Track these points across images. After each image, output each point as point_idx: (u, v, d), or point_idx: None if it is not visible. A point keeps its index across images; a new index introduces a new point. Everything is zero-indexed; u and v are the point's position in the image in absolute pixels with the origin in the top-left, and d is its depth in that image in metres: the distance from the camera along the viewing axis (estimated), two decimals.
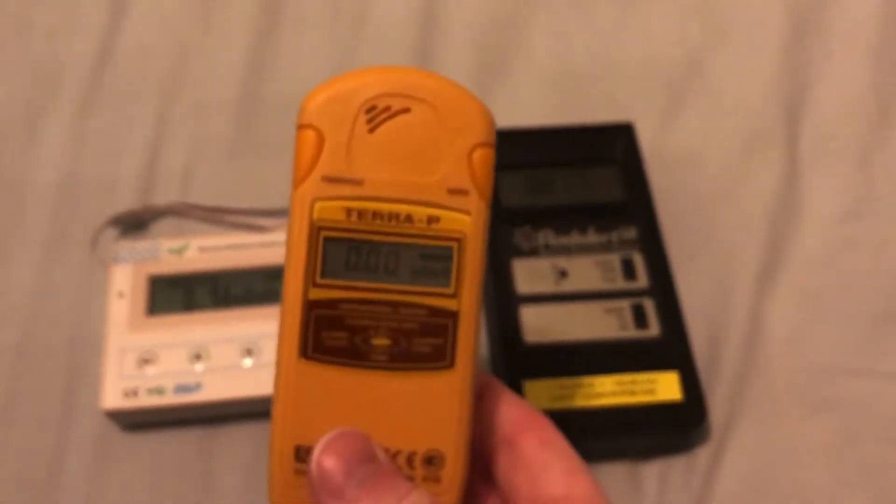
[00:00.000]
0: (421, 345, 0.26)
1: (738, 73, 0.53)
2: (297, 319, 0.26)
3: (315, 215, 0.25)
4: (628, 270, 0.44)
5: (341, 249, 0.25)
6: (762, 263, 0.47)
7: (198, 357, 0.42)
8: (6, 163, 0.50)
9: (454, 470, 0.26)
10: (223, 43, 0.54)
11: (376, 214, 0.25)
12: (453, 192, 0.26)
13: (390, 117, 0.25)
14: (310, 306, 0.25)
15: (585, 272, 0.44)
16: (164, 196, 0.49)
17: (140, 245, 0.45)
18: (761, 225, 0.48)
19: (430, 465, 0.26)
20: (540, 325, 0.43)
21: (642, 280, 0.44)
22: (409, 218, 0.26)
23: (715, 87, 0.53)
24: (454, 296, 0.26)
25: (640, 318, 0.43)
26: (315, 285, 0.25)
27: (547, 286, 0.44)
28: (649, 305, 0.43)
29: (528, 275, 0.44)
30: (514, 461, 0.28)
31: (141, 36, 0.55)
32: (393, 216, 0.25)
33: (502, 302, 0.43)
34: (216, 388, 0.42)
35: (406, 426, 0.26)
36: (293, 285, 0.25)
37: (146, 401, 0.41)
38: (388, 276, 0.26)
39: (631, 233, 0.45)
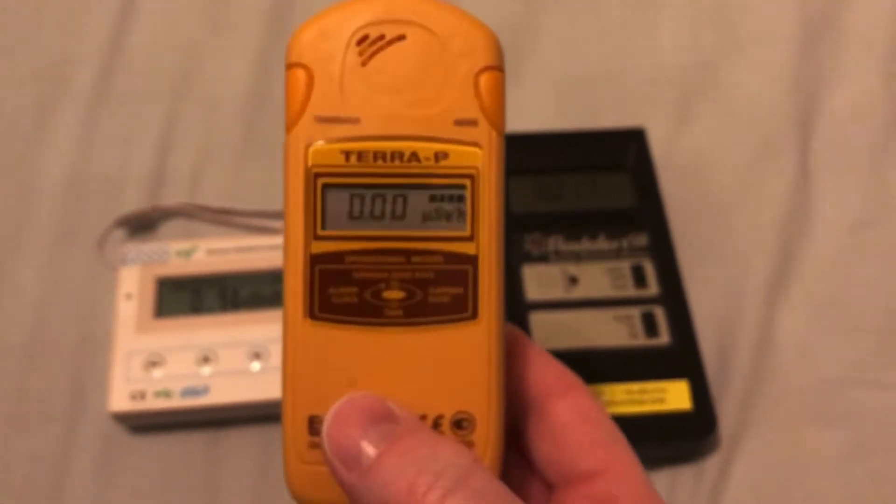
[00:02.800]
0: (439, 295, 0.23)
1: (750, 79, 0.53)
2: (300, 277, 0.23)
3: (310, 161, 0.23)
4: (639, 278, 0.44)
5: (342, 197, 0.23)
6: (773, 271, 0.47)
7: (205, 360, 0.42)
8: (14, 162, 0.50)
9: (487, 432, 0.24)
10: (233, 43, 0.54)
11: (377, 155, 0.23)
12: (461, 123, 0.23)
13: (385, 47, 0.23)
14: (313, 261, 0.23)
15: (595, 279, 0.44)
16: (172, 197, 0.49)
17: (148, 247, 0.45)
18: (773, 232, 0.48)
19: (459, 428, 0.24)
20: (549, 331, 0.43)
21: (653, 287, 0.44)
22: (414, 156, 0.23)
23: (727, 94, 0.52)
24: (471, 238, 0.23)
25: (650, 326, 0.43)
26: (317, 238, 0.23)
27: (557, 293, 0.44)
28: (659, 313, 0.43)
29: (538, 281, 0.44)
30: (544, 429, 0.26)
31: (150, 36, 0.54)
32: (396, 155, 0.23)
33: (512, 308, 0.43)
34: (224, 392, 0.41)
35: (429, 387, 0.24)
36: (293, 240, 0.23)
37: (153, 403, 0.41)
38: (396, 223, 0.23)
39: (641, 239, 0.45)
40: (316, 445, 0.24)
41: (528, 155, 0.47)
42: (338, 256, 0.23)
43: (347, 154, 0.23)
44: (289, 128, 0.23)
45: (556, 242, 0.45)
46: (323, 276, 0.23)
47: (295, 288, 0.23)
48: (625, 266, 0.44)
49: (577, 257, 0.45)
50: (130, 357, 0.42)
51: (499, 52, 0.24)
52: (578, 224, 0.45)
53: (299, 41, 0.24)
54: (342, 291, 0.23)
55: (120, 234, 0.48)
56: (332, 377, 0.24)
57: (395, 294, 0.24)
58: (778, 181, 0.50)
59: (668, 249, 0.45)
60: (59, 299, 0.46)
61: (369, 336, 0.24)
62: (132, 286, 0.44)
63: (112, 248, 0.47)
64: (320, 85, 0.23)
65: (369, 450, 0.22)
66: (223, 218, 0.48)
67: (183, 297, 0.44)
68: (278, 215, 0.48)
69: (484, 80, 0.24)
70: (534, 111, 0.52)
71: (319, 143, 0.23)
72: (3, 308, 0.46)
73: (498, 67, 0.24)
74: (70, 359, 0.45)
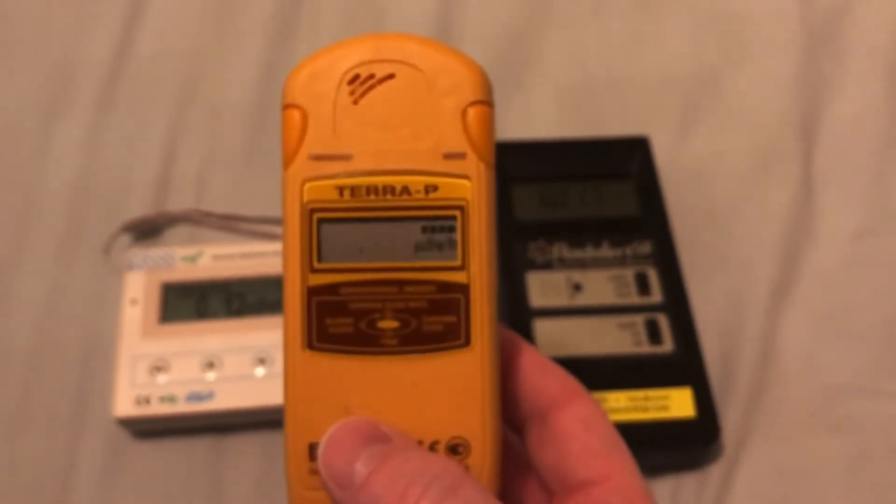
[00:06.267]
0: (432, 324, 0.24)
1: (753, 88, 0.53)
2: (298, 309, 0.24)
3: (306, 197, 0.24)
4: (642, 285, 0.44)
5: (337, 230, 0.24)
6: (776, 279, 0.47)
7: (210, 366, 0.42)
8: (20, 167, 0.51)
9: (482, 458, 0.24)
10: (239, 49, 0.55)
11: (370, 189, 0.24)
12: (450, 156, 0.24)
13: (375, 85, 0.24)
14: (310, 293, 0.24)
15: (599, 286, 0.44)
16: (178, 203, 0.49)
17: (153, 252, 0.45)
18: (776, 241, 0.48)
19: (455, 454, 0.25)
20: (553, 339, 0.43)
21: (656, 295, 0.44)
22: (405, 189, 0.24)
23: (730, 102, 0.53)
24: (463, 268, 0.24)
25: (653, 334, 0.43)
26: (313, 271, 0.24)
27: (561, 300, 0.44)
28: (663, 321, 0.43)
29: (542, 288, 0.44)
30: (546, 437, 0.27)
31: (157, 42, 0.55)
32: (388, 189, 0.24)
33: (516, 315, 0.43)
34: (228, 397, 0.42)
35: (424, 414, 0.24)
36: (291, 273, 0.24)
37: (158, 409, 0.41)
38: (389, 254, 0.24)
39: (645, 247, 0.45)
40: (316, 471, 0.24)
41: (532, 163, 0.48)
42: (333, 288, 0.24)
43: (341, 189, 0.24)
44: (285, 165, 0.24)
45: (560, 250, 0.45)
46: (320, 307, 0.24)
47: (293, 319, 0.24)
48: (628, 274, 0.45)
49: (581, 265, 0.45)
50: (135, 362, 0.42)
51: (486, 86, 0.25)
52: (582, 232, 0.46)
53: (293, 83, 0.24)
54: (338, 322, 0.24)
55: (126, 239, 0.48)
56: (331, 405, 0.24)
57: (389, 324, 0.24)
58: (781, 190, 0.50)
59: (672, 257, 0.45)
60: (65, 304, 0.46)
61: (366, 365, 0.24)
62: (138, 291, 0.44)
63: (118, 254, 0.47)
64: (314, 124, 0.24)
65: (361, 469, 0.23)
66: (229, 224, 0.48)
67: (188, 302, 0.44)
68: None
69: (472, 114, 0.24)
70: (538, 119, 0.53)
71: (314, 180, 0.24)
72: (9, 312, 0.46)
73: (486, 102, 0.25)
74: (75, 363, 0.45)
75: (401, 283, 0.24)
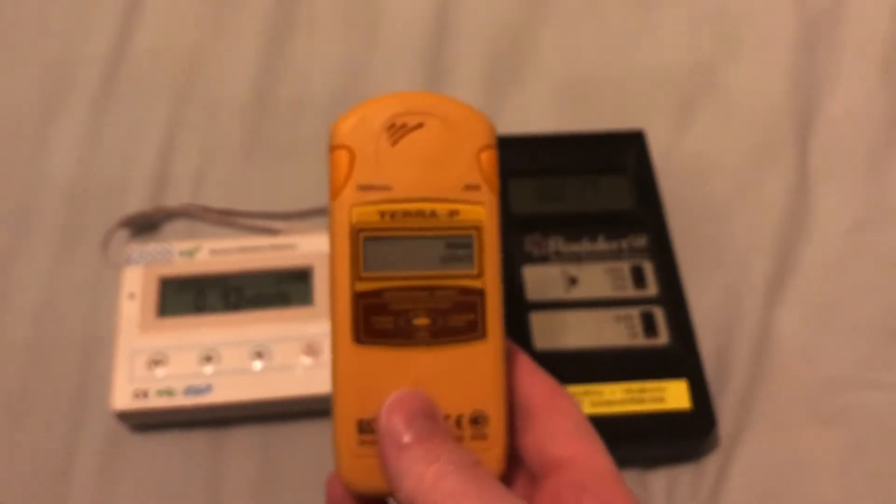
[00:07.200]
0: (456, 321, 0.30)
1: (749, 82, 0.53)
2: (348, 310, 0.29)
3: (354, 219, 0.29)
4: (638, 278, 0.44)
5: (379, 246, 0.29)
6: (772, 272, 0.47)
7: (208, 359, 0.42)
8: (19, 163, 0.51)
9: (497, 426, 0.30)
10: (236, 46, 0.55)
11: (406, 213, 0.30)
12: (468, 188, 0.30)
13: (408, 132, 0.30)
14: (357, 297, 0.29)
15: (595, 280, 0.44)
16: (175, 198, 0.50)
17: (151, 247, 0.46)
18: (772, 234, 0.48)
19: (476, 424, 0.30)
20: (549, 331, 0.43)
21: (652, 288, 0.44)
22: (433, 213, 0.30)
23: (726, 97, 0.53)
24: (478, 276, 0.30)
25: (649, 327, 0.43)
26: (360, 279, 0.29)
27: (557, 293, 0.44)
28: (659, 313, 0.44)
29: (539, 281, 0.44)
30: (528, 425, 0.30)
31: (154, 38, 0.55)
32: (419, 213, 0.30)
33: (512, 309, 0.43)
34: (226, 391, 0.42)
35: (452, 393, 0.29)
36: (341, 281, 0.29)
37: (156, 402, 0.41)
38: (421, 265, 0.29)
39: (641, 241, 0.46)
40: (364, 442, 0.29)
41: (528, 157, 0.48)
42: (377, 293, 0.29)
43: (383, 213, 0.30)
44: (335, 195, 0.30)
45: (556, 243, 0.45)
46: (366, 308, 0.29)
47: (343, 318, 0.29)
48: (624, 267, 0.45)
49: (578, 258, 0.45)
50: (133, 356, 0.42)
51: (494, 133, 0.31)
52: (579, 225, 0.46)
53: (342, 128, 0.30)
54: (381, 320, 0.29)
55: (124, 234, 0.48)
56: (375, 387, 0.29)
57: (422, 321, 0.29)
58: (776, 183, 0.50)
59: (668, 251, 0.45)
60: (64, 299, 0.47)
61: (403, 354, 0.30)
62: (135, 286, 0.44)
63: (116, 249, 0.47)
64: (360, 161, 0.30)
65: (409, 439, 0.27)
66: (226, 219, 0.48)
67: (186, 296, 0.44)
68: (281, 216, 0.48)
69: (484, 156, 0.30)
70: (534, 114, 0.53)
71: (361, 206, 0.30)
72: (8, 307, 0.46)
73: (493, 145, 0.30)
74: (74, 358, 0.45)
75: (430, 289, 0.30)
